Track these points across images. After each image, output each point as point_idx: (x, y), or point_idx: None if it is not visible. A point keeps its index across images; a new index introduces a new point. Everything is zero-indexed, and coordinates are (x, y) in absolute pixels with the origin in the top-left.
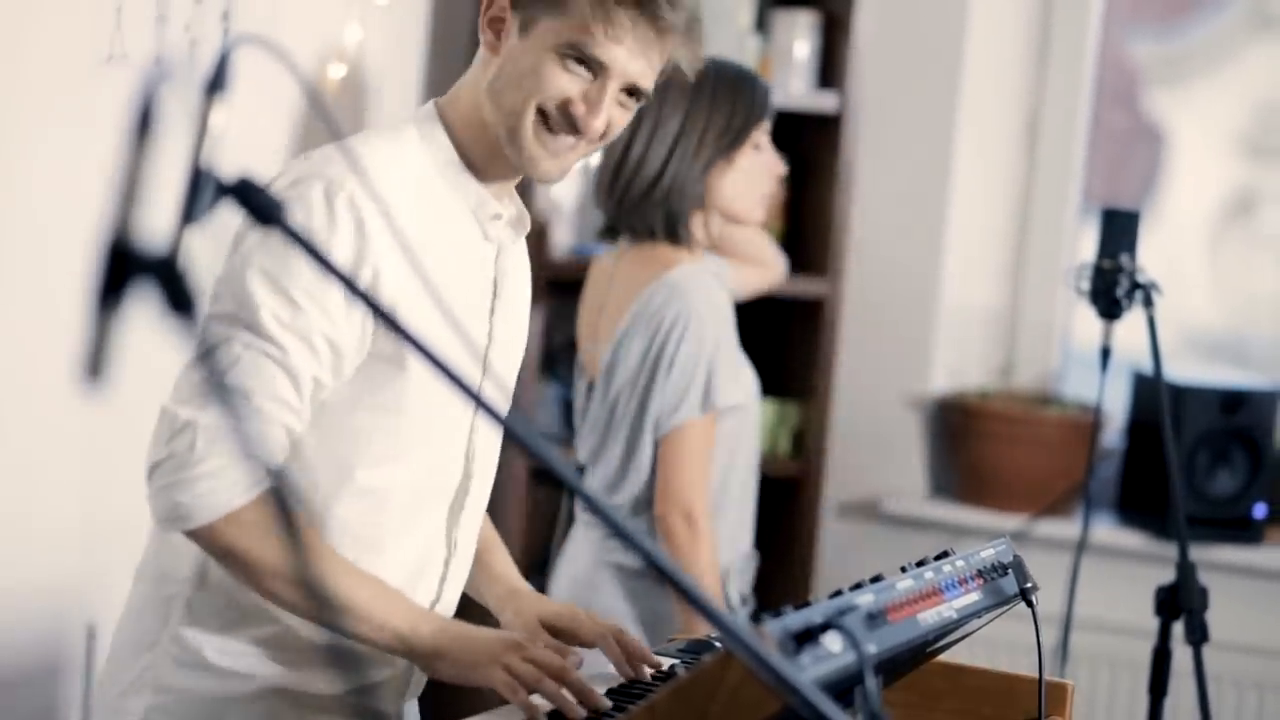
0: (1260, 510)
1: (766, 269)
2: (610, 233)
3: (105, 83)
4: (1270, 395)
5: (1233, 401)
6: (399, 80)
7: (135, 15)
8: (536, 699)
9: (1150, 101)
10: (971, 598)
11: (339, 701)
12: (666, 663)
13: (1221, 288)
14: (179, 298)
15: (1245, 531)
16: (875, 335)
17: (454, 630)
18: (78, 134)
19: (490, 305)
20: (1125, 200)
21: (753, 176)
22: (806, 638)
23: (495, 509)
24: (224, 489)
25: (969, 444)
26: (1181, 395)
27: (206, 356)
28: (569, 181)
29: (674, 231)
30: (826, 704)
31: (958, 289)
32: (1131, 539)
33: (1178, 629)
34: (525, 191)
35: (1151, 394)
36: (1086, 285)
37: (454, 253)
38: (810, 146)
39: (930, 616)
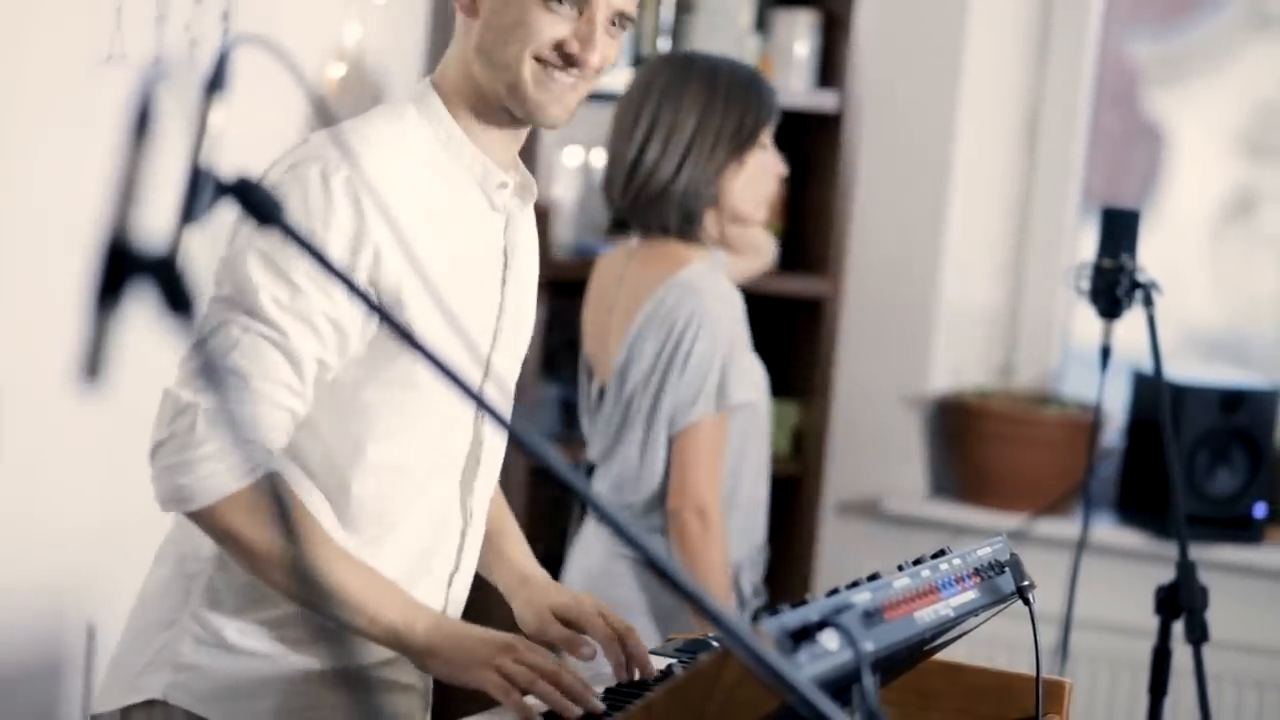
0: (1260, 509)
1: (758, 256)
2: (619, 227)
3: (105, 82)
4: (1270, 394)
5: (1233, 401)
6: (398, 79)
7: (135, 15)
8: (531, 700)
9: (1150, 101)
10: (968, 596)
11: (358, 677)
12: (664, 662)
13: (1221, 287)
14: (178, 297)
15: (1245, 531)
16: (875, 334)
17: (448, 629)
18: (77, 133)
19: (502, 275)
20: (1125, 199)
21: (759, 177)
22: (804, 636)
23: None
24: (225, 471)
25: (969, 443)
26: (1181, 394)
27: (207, 340)
28: (569, 181)
29: (687, 229)
30: (824, 702)
31: (957, 288)
32: (1131, 538)
33: (1178, 628)
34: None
35: (1151, 393)
36: (1086, 284)
37: (463, 225)
38: (810, 145)
39: (927, 615)
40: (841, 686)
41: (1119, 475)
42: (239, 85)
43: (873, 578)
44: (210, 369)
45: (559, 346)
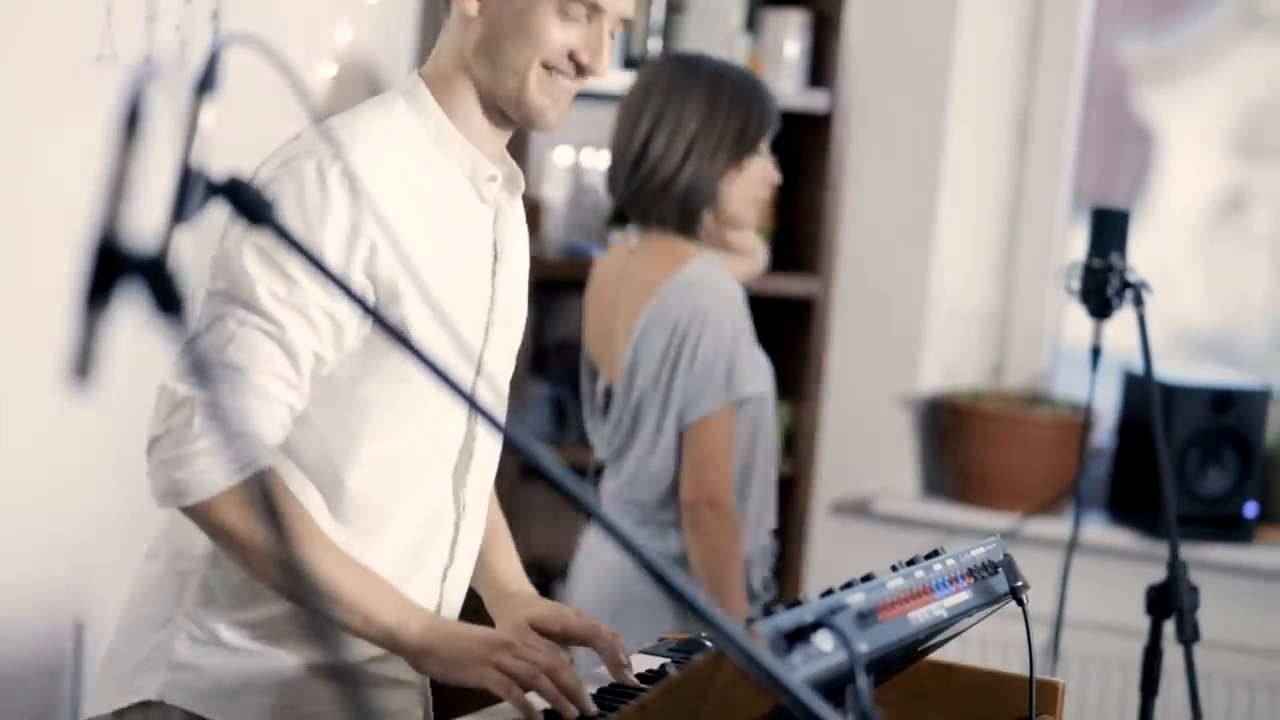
0: (1251, 509)
1: (750, 259)
2: (618, 220)
3: (95, 82)
4: (1261, 394)
5: (1223, 400)
6: (390, 79)
7: (125, 15)
8: (532, 697)
9: (1140, 100)
10: (962, 596)
11: (355, 673)
12: (658, 662)
13: (1212, 287)
14: (168, 298)
15: (1236, 530)
16: (866, 335)
17: (444, 628)
18: (67, 133)
19: (492, 268)
20: (1115, 199)
21: (753, 182)
22: (798, 637)
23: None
24: (220, 466)
25: (960, 443)
26: (1172, 394)
27: (203, 334)
28: (560, 180)
29: (686, 226)
30: (818, 703)
31: (948, 288)
32: (1122, 538)
33: (1169, 628)
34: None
35: (1142, 393)
36: (1077, 285)
37: (453, 218)
38: (800, 146)
39: (921, 615)
40: (836, 687)
41: (1110, 475)
42: (229, 85)
43: (867, 578)
44: (206, 363)
45: (550, 346)
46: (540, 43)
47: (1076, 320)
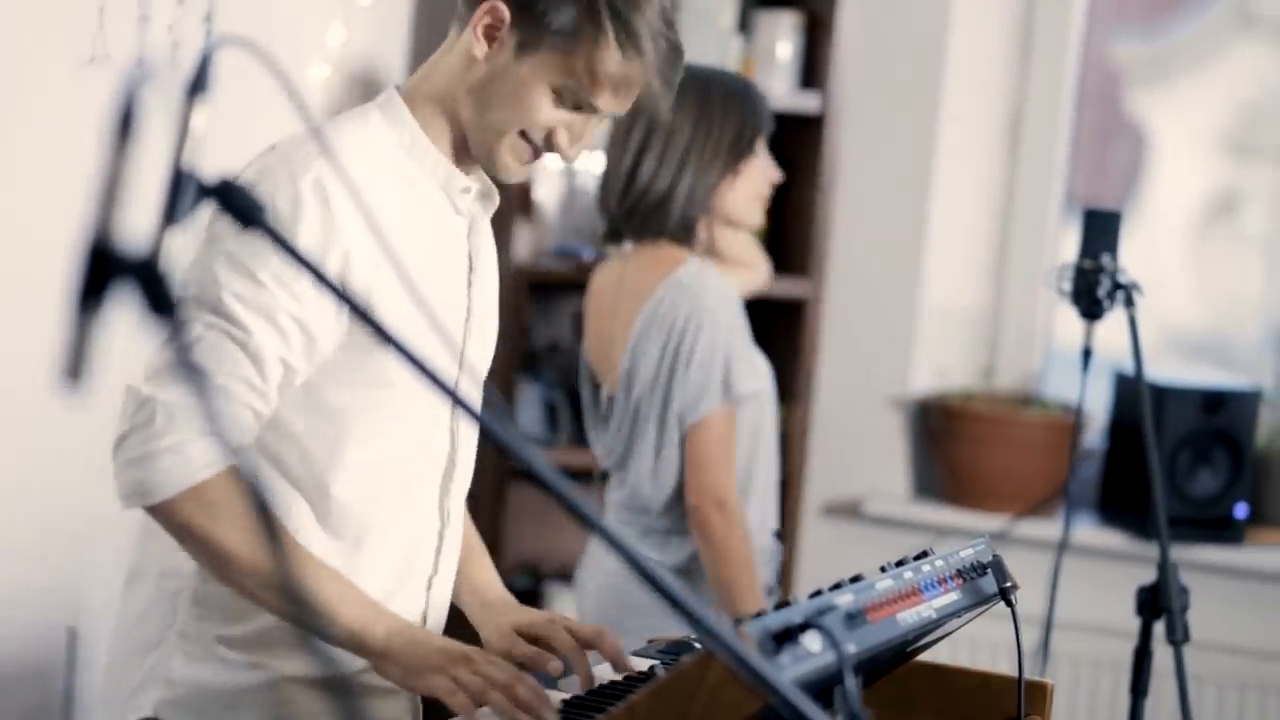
0: (1241, 510)
1: (753, 271)
2: (613, 237)
3: (87, 83)
4: (1252, 395)
5: (1214, 402)
6: (383, 81)
7: (118, 16)
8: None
9: (1133, 101)
10: (951, 597)
11: (348, 683)
12: (647, 663)
13: (1203, 288)
14: (160, 299)
15: (1226, 531)
16: (857, 336)
17: (408, 634)
18: (60, 135)
19: (468, 278)
20: (1107, 200)
21: (753, 183)
22: (786, 638)
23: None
24: (184, 464)
25: (951, 445)
26: (1163, 396)
27: (172, 337)
28: (552, 183)
29: (682, 233)
30: (806, 704)
31: (939, 290)
32: (1113, 539)
33: (1159, 629)
34: (502, 191)
35: (1133, 394)
36: (1068, 286)
37: (428, 229)
38: (792, 147)
39: (909, 616)
40: (824, 688)
41: (1100, 476)
42: (222, 87)
43: (855, 579)
44: (172, 365)
45: (542, 348)
46: (526, 116)
47: (1068, 321)
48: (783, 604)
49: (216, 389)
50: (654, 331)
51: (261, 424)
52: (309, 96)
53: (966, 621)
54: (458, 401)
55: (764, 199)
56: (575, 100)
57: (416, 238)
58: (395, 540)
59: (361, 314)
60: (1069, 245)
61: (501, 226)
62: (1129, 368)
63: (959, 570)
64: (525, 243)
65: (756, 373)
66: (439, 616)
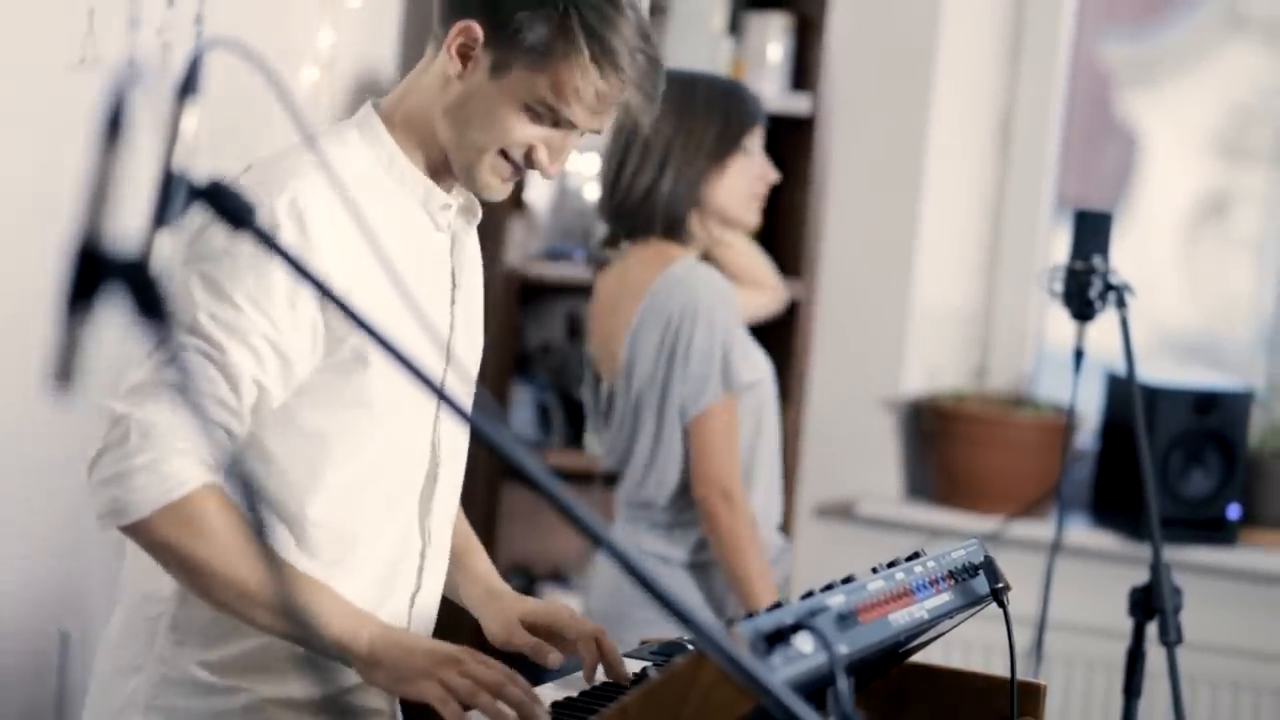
0: (1234, 511)
1: (766, 293)
2: (611, 241)
3: (77, 86)
4: (1244, 396)
5: (1206, 403)
6: (372, 83)
7: (107, 18)
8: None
9: (1123, 103)
10: (943, 598)
11: (330, 705)
12: (639, 665)
13: (1194, 289)
14: (150, 302)
15: (1219, 532)
16: (849, 337)
17: (394, 639)
18: (49, 137)
19: (450, 295)
20: (1098, 201)
21: (744, 181)
22: (778, 638)
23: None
24: (159, 482)
25: (943, 446)
26: (1155, 396)
27: (148, 354)
28: (542, 186)
29: (672, 230)
30: (798, 705)
31: (931, 291)
32: (1105, 540)
33: (1152, 630)
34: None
35: (1125, 395)
36: (1059, 287)
37: (409, 246)
38: (784, 148)
39: (902, 617)
40: (816, 689)
41: (1093, 477)
42: (212, 89)
43: (847, 580)
44: (147, 382)
45: (534, 349)
46: (503, 135)
47: (1059, 322)
48: (775, 605)
49: (190, 408)
50: (651, 325)
51: (236, 444)
52: (299, 98)
53: (959, 623)
54: (446, 401)
55: (759, 199)
56: (552, 117)
57: (396, 256)
58: (375, 559)
59: (353, 315)
60: (1060, 246)
61: (493, 228)
62: (1121, 369)
63: (951, 571)
64: (516, 245)
65: (754, 364)
66: (425, 632)
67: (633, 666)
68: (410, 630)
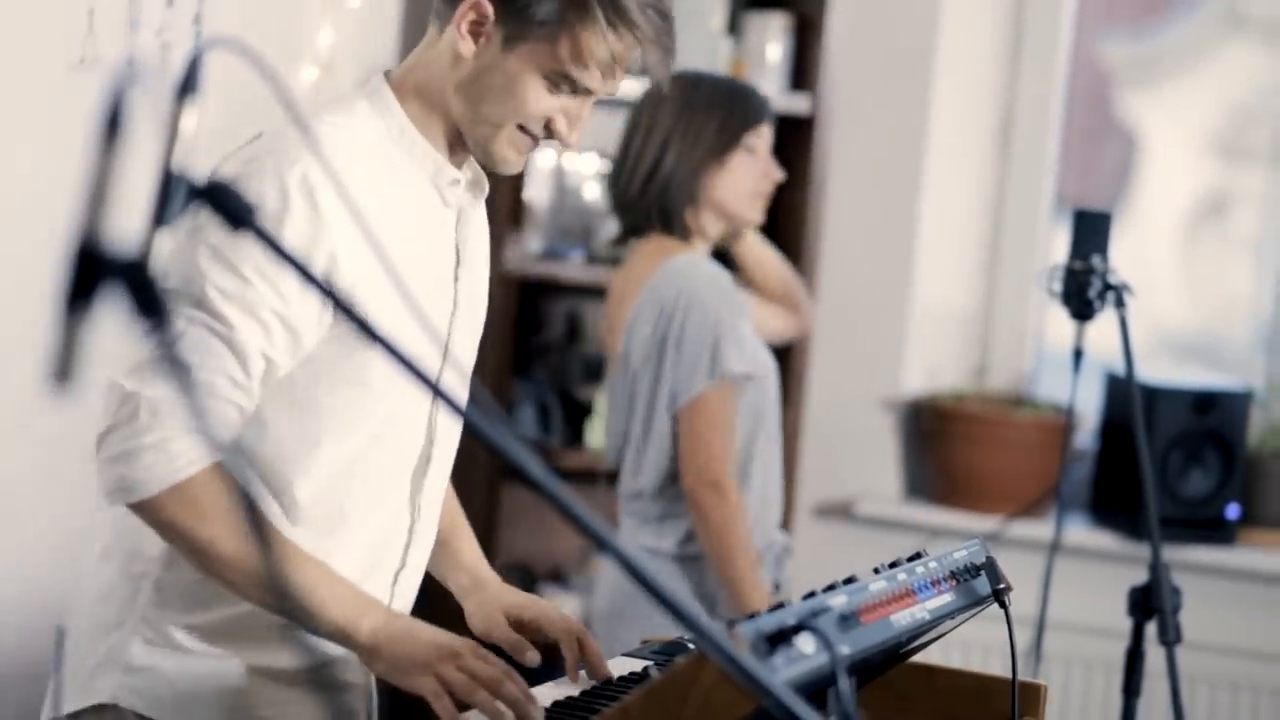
0: (1233, 511)
1: (793, 316)
2: (622, 239)
3: (77, 86)
4: (1243, 396)
5: (1205, 402)
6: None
7: (107, 19)
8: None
9: (1123, 102)
10: (944, 599)
11: (309, 675)
12: (640, 664)
13: (1194, 289)
14: (149, 301)
15: (1218, 532)
16: (849, 337)
17: (396, 628)
18: (49, 137)
19: (454, 271)
20: (1097, 201)
21: (745, 178)
22: (779, 639)
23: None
24: (167, 461)
25: (943, 445)
26: (1154, 396)
27: (155, 331)
28: (542, 183)
29: (669, 223)
30: (799, 705)
31: (931, 291)
32: (1105, 540)
33: (1151, 630)
34: (493, 194)
35: (1124, 395)
36: (1058, 287)
37: (415, 220)
38: (783, 148)
39: (903, 618)
40: (817, 690)
41: (1092, 477)
42: (211, 88)
43: (849, 581)
44: (156, 360)
45: (534, 348)
46: (522, 108)
47: (1059, 322)
48: (776, 605)
49: (201, 384)
50: (646, 314)
51: (245, 419)
52: (299, 98)
53: (960, 623)
54: (443, 398)
55: (762, 197)
56: (570, 86)
57: (403, 231)
58: (364, 534)
59: (349, 312)
60: (1059, 246)
61: (493, 228)
62: (1120, 368)
63: (952, 572)
64: (516, 245)
65: (751, 356)
66: (404, 609)
67: (633, 666)
68: (391, 606)
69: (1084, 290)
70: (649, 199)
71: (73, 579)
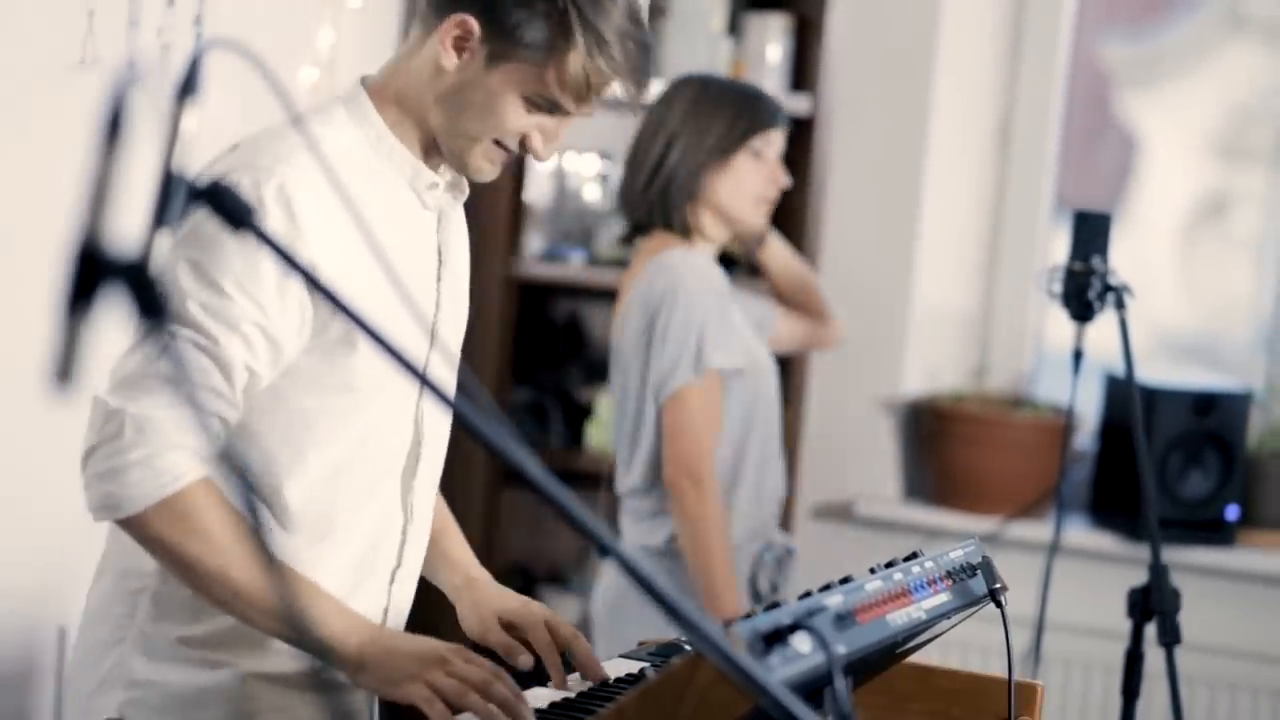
0: (1232, 512)
1: (819, 325)
2: (628, 238)
3: (77, 87)
4: (1242, 397)
5: (1205, 404)
6: None
7: (107, 19)
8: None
9: (1122, 103)
10: (940, 599)
11: (310, 677)
12: (636, 665)
13: (1193, 290)
14: (150, 302)
15: (1217, 533)
16: (849, 337)
17: (383, 642)
18: (49, 138)
19: (436, 273)
20: (1097, 202)
21: (748, 180)
22: (775, 639)
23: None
24: (153, 477)
25: (942, 446)
26: (1154, 397)
27: (135, 347)
28: (542, 185)
29: (669, 220)
30: (796, 705)
31: (931, 291)
32: (1104, 541)
33: (1150, 631)
34: (490, 197)
35: (1124, 396)
36: (1058, 288)
37: (395, 225)
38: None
39: (899, 617)
40: (814, 689)
41: (1092, 478)
42: (211, 89)
43: (845, 580)
44: (137, 376)
45: (531, 349)
46: (501, 124)
47: (1058, 323)
48: (772, 605)
49: (184, 399)
50: (636, 310)
51: (229, 431)
52: (298, 99)
53: (956, 623)
54: (433, 390)
55: (766, 202)
56: (548, 106)
57: (383, 235)
58: (357, 536)
59: (343, 307)
60: (1059, 247)
61: (491, 230)
62: (1120, 369)
63: (949, 571)
64: (515, 246)
65: (736, 351)
66: (402, 608)
67: (630, 667)
68: (389, 613)
69: (1084, 291)
70: (651, 194)
71: (73, 582)
